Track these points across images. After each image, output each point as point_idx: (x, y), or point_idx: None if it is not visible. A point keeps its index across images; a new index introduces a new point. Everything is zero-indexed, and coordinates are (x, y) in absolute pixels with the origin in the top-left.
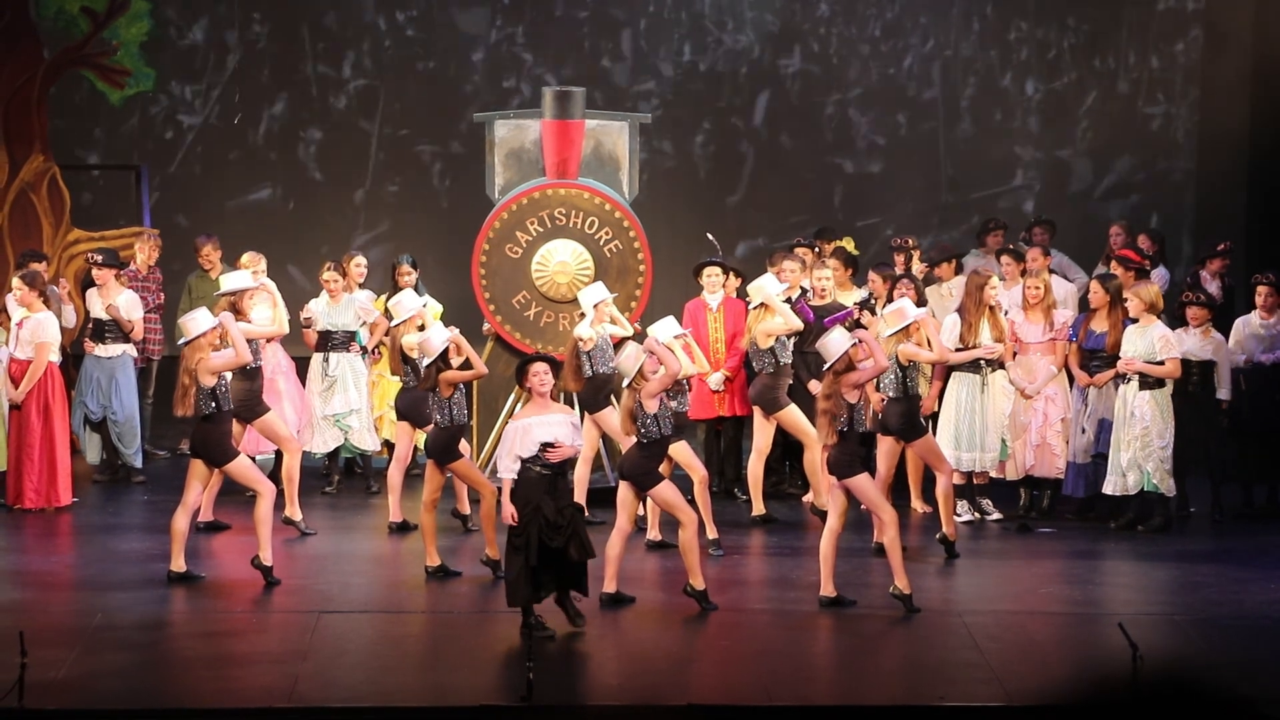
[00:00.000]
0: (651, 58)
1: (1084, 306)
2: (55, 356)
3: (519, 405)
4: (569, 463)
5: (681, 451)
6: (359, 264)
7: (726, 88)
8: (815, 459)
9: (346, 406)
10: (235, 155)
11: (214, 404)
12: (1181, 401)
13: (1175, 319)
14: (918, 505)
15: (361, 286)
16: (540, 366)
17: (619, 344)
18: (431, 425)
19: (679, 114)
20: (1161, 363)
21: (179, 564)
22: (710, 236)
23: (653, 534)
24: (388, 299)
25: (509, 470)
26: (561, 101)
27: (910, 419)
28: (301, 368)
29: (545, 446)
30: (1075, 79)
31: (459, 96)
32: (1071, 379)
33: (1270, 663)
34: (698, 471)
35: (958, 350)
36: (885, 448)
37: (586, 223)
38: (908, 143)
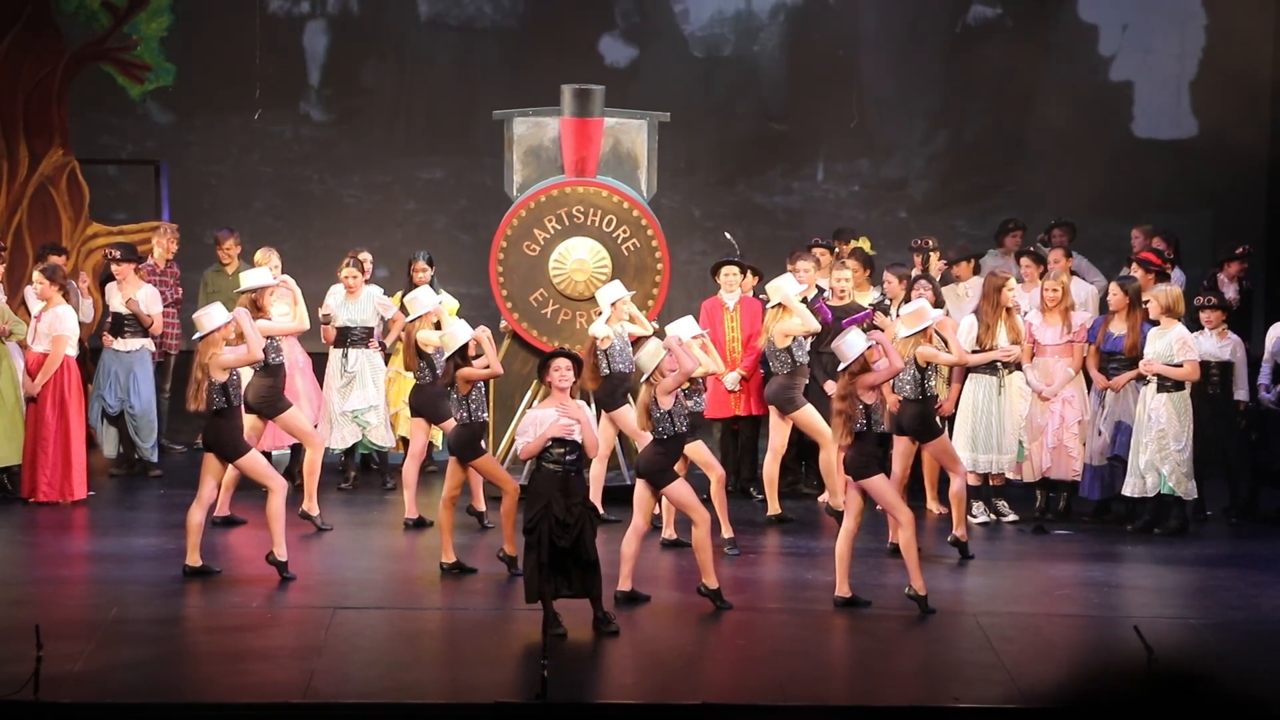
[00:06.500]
0: (672, 56)
1: (1104, 309)
2: (72, 350)
3: (536, 400)
4: (583, 460)
5: (699, 451)
6: (364, 259)
7: (744, 86)
8: (830, 459)
9: (365, 402)
10: (255, 150)
11: (225, 399)
12: (1201, 403)
13: (1193, 322)
14: (933, 506)
15: (369, 282)
16: (562, 362)
17: (637, 342)
18: (446, 421)
19: (697, 112)
20: (1179, 365)
21: (194, 558)
22: (728, 235)
23: (668, 533)
24: (404, 295)
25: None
26: (581, 99)
27: (925, 420)
28: (319, 364)
29: (555, 441)
30: (1093, 76)
31: (478, 93)
32: (1089, 381)
33: None
34: (715, 471)
35: (974, 352)
36: (900, 448)
37: (604, 221)
38: (925, 143)
